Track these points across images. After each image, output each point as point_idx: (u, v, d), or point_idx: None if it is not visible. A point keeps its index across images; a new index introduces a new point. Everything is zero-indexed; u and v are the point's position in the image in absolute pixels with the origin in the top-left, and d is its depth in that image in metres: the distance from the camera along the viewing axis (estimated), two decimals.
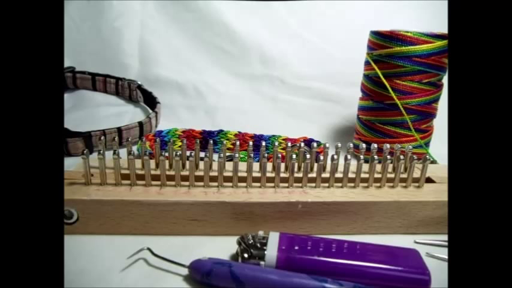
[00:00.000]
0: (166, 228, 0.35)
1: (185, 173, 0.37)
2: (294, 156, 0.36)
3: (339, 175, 0.38)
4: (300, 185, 0.37)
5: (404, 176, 0.39)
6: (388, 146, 0.39)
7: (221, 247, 0.33)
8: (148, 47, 0.84)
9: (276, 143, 0.39)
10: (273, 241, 0.31)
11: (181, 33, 0.85)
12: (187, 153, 0.37)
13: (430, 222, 0.37)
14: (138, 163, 0.37)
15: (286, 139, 0.56)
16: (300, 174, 0.38)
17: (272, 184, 0.37)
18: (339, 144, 0.40)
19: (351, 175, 0.38)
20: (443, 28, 0.45)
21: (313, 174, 0.38)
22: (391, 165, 0.41)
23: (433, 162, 0.47)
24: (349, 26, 0.83)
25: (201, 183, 0.36)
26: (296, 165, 0.40)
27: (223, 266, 0.28)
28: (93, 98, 0.75)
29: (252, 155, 0.36)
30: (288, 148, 0.40)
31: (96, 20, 0.84)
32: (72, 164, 0.41)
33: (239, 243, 0.31)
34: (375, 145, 0.39)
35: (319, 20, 0.86)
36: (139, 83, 0.74)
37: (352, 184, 0.38)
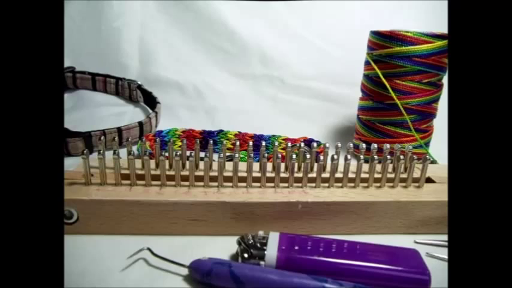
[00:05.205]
0: (166, 228, 0.35)
1: (185, 173, 0.37)
2: (294, 156, 0.36)
3: (339, 175, 0.38)
4: (300, 185, 0.37)
5: (404, 176, 0.39)
6: (388, 146, 0.39)
7: (221, 247, 0.33)
8: (148, 47, 0.84)
9: (276, 143, 0.39)
10: (273, 241, 0.31)
11: (181, 33, 0.85)
12: (187, 153, 0.37)
13: (430, 222, 0.37)
14: (138, 163, 0.38)
15: (286, 139, 0.56)
16: (300, 174, 0.38)
17: (272, 184, 0.37)
18: (339, 144, 0.40)
19: (351, 175, 0.38)
20: (443, 28, 0.45)
21: (313, 174, 0.38)
22: (391, 165, 0.41)
23: (433, 162, 0.47)
24: (349, 26, 0.83)
25: (201, 183, 0.36)
26: (296, 165, 0.40)
27: (223, 266, 0.28)
28: (93, 98, 0.75)
29: (252, 155, 0.36)
30: (288, 148, 0.40)
31: (96, 20, 0.84)
32: (72, 164, 0.41)
33: (239, 243, 0.31)
34: (375, 145, 0.39)
35: (319, 20, 0.86)
36: (139, 83, 0.74)
37: (352, 184, 0.38)
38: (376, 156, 0.37)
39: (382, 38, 0.49)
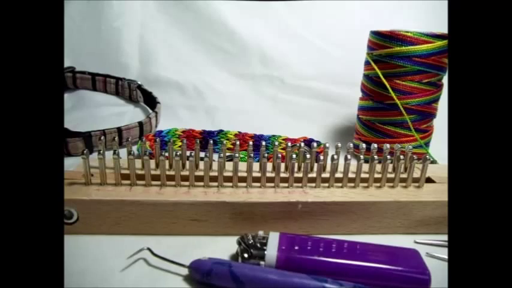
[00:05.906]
0: (166, 228, 0.35)
1: (185, 173, 0.37)
2: (294, 156, 0.36)
3: (339, 175, 0.38)
4: (300, 185, 0.37)
5: (404, 176, 0.39)
6: (388, 146, 0.39)
7: (221, 247, 0.33)
8: (148, 47, 0.84)
9: (276, 143, 0.39)
10: (273, 241, 0.31)
11: (181, 33, 0.85)
12: (187, 153, 0.37)
13: (430, 222, 0.37)
14: (138, 163, 0.37)
15: (286, 139, 0.56)
16: (300, 174, 0.38)
17: (272, 184, 0.37)
18: (339, 144, 0.40)
19: (351, 175, 0.38)
20: (443, 28, 0.45)
21: (313, 174, 0.38)
22: (391, 165, 0.41)
23: (433, 162, 0.47)
24: (349, 26, 0.83)
25: (201, 183, 0.36)
26: (296, 165, 0.40)
27: (223, 266, 0.28)
28: (93, 98, 0.75)
29: (252, 155, 0.36)
30: (288, 148, 0.40)
31: (96, 20, 0.84)
32: (72, 164, 0.41)
33: (239, 243, 0.31)
34: (375, 145, 0.39)
35: (319, 20, 0.86)
36: (139, 83, 0.74)
37: (352, 184, 0.38)
38: (376, 156, 0.37)
39: (382, 38, 0.49)
